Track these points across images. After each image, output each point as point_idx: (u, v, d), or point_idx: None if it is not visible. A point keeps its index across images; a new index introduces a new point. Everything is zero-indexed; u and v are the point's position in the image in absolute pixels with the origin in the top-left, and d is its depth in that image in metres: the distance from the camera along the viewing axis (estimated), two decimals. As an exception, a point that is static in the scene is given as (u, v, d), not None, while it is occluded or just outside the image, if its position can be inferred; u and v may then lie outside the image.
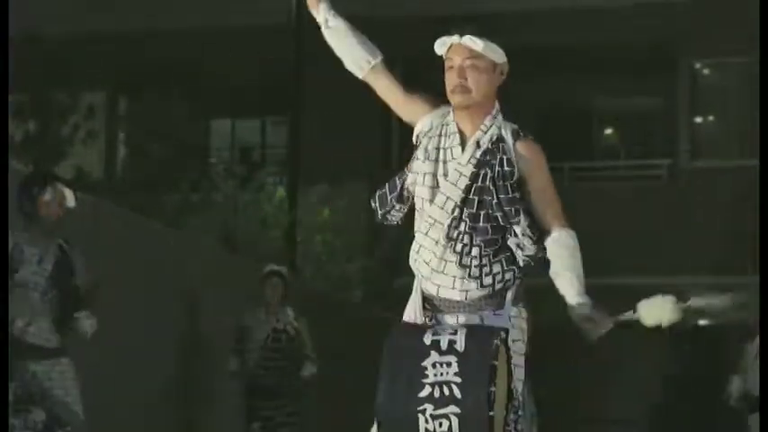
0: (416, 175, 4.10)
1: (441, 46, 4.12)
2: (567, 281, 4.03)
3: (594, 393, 17.52)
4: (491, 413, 3.86)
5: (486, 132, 4.09)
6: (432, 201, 4.06)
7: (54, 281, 6.19)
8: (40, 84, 14.76)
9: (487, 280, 4.04)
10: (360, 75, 4.25)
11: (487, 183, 4.03)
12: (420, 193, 4.09)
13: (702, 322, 18.20)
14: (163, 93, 16.03)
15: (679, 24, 18.72)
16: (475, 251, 4.03)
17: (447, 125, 4.11)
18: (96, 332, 6.33)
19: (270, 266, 9.58)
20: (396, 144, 19.21)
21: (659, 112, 20.05)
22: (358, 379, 8.10)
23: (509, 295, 4.09)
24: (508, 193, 4.03)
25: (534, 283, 4.27)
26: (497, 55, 4.09)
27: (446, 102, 4.15)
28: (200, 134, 19.21)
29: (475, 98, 4.07)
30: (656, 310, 4.07)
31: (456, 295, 4.06)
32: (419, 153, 4.12)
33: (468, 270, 4.03)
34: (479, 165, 4.05)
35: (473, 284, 4.05)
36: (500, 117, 4.13)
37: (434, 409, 3.90)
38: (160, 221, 11.92)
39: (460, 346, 3.92)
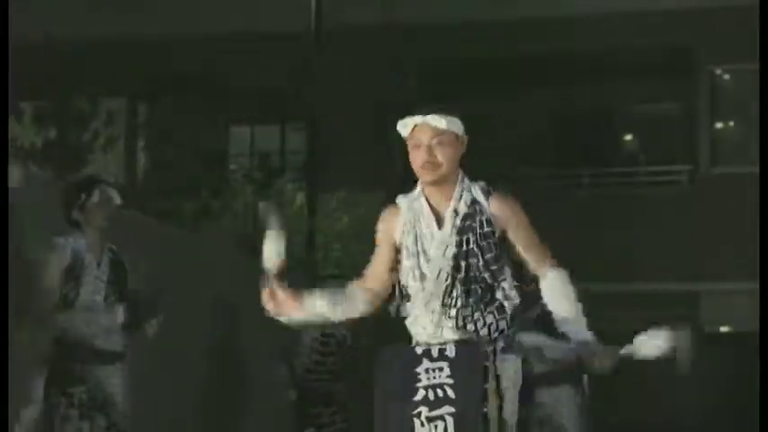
0: (407, 274, 4.26)
1: (403, 127, 4.27)
2: (571, 322, 4.23)
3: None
4: (485, 410, 4.06)
5: (460, 200, 4.27)
6: (423, 284, 4.23)
7: (113, 285, 6.22)
8: (60, 90, 14.81)
9: (483, 331, 4.21)
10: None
11: (471, 246, 4.22)
12: (413, 288, 4.26)
13: (725, 329, 18.11)
14: (182, 99, 16.06)
15: (699, 30, 18.66)
16: (468, 311, 4.21)
17: (418, 209, 4.29)
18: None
19: (330, 271, 9.67)
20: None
21: (679, 118, 19.97)
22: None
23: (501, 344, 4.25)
24: (492, 251, 4.22)
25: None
26: (458, 127, 4.26)
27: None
28: (220, 140, 19.24)
29: (445, 172, 4.26)
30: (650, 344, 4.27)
31: None
32: (403, 254, 4.29)
33: (464, 330, 4.21)
34: (462, 231, 4.24)
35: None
36: (466, 180, 4.31)
37: (429, 411, 4.09)
38: (180, 227, 11.93)
39: (451, 352, 4.16)
